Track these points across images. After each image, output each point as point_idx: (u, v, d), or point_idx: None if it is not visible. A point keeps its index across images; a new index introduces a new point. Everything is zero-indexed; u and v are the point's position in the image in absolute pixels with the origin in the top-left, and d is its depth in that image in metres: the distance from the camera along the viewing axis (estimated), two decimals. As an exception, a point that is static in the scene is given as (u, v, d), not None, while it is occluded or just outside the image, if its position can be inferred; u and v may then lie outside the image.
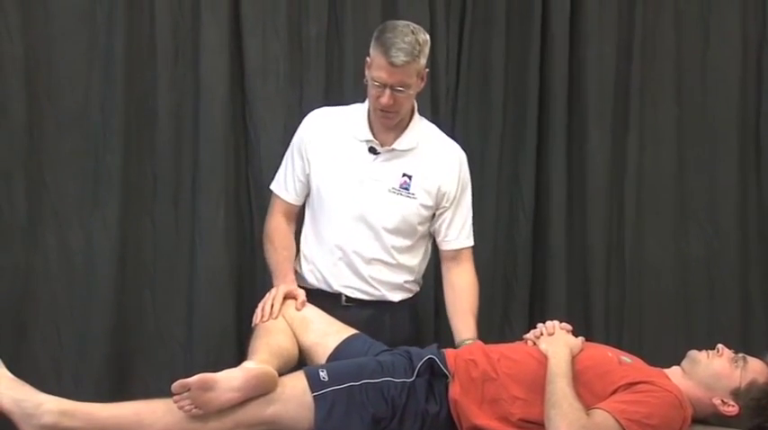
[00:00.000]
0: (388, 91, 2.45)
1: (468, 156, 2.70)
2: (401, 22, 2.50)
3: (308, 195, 2.67)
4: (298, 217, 2.72)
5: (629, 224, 3.33)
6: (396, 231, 2.59)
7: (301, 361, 2.43)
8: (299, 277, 2.68)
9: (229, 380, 2.09)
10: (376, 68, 2.45)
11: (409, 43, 2.42)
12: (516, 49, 3.25)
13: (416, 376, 2.23)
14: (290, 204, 2.68)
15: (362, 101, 2.65)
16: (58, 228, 2.89)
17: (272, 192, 2.72)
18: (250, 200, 3.06)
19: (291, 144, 2.69)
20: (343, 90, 3.07)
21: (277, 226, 2.68)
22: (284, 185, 2.68)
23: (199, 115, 2.97)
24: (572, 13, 3.26)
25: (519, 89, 3.26)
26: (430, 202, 2.61)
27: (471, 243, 2.69)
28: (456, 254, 2.67)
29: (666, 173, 3.34)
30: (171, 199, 2.99)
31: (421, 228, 2.63)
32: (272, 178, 2.73)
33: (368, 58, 2.51)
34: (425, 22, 3.08)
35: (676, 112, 3.34)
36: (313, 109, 2.73)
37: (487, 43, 3.23)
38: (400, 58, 2.40)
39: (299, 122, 2.71)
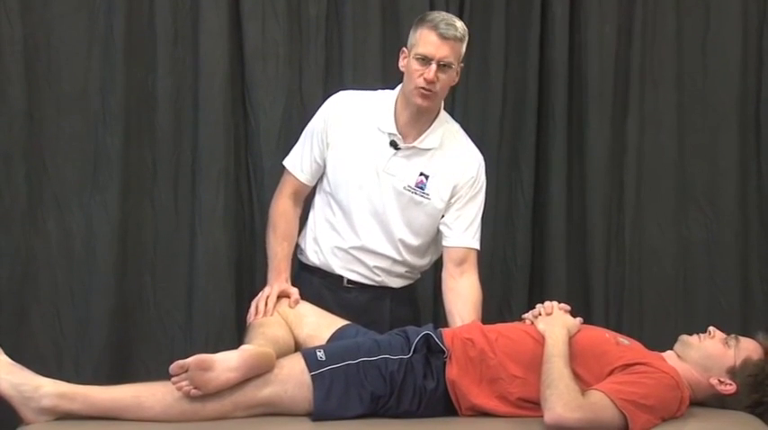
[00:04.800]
0: (433, 65, 2.45)
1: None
2: (442, 12, 2.55)
3: (320, 179, 2.64)
4: (307, 198, 2.69)
5: (628, 208, 3.31)
6: (406, 229, 2.57)
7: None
8: (302, 253, 2.67)
9: (227, 361, 2.09)
10: (423, 44, 2.45)
11: (457, 25, 2.48)
12: (516, 31, 3.24)
13: (413, 352, 2.22)
14: (303, 184, 2.65)
15: (364, 86, 2.64)
16: (57, 212, 2.89)
17: (284, 168, 2.67)
18: (249, 183, 3.06)
19: (312, 124, 2.63)
20: (342, 73, 3.05)
21: (284, 210, 2.65)
22: (300, 165, 2.63)
23: (198, 98, 2.97)
24: (572, -5, 3.25)
25: (519, 72, 3.25)
26: (443, 205, 2.58)
27: (476, 245, 2.61)
28: (459, 255, 2.59)
29: (666, 156, 3.32)
30: (170, 182, 2.99)
31: (431, 230, 2.61)
32: (272, 161, 2.72)
33: (404, 49, 2.52)
34: (425, 4, 3.08)
35: (676, 96, 3.32)
36: (312, 92, 2.71)
37: (487, 26, 3.21)
38: (450, 31, 2.45)
39: (299, 105, 2.70)
